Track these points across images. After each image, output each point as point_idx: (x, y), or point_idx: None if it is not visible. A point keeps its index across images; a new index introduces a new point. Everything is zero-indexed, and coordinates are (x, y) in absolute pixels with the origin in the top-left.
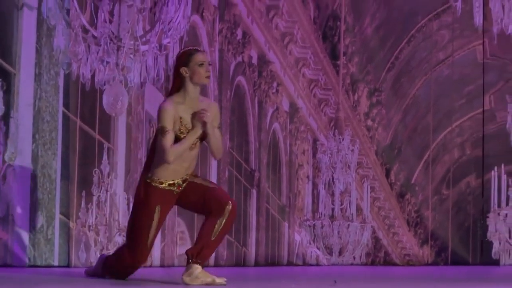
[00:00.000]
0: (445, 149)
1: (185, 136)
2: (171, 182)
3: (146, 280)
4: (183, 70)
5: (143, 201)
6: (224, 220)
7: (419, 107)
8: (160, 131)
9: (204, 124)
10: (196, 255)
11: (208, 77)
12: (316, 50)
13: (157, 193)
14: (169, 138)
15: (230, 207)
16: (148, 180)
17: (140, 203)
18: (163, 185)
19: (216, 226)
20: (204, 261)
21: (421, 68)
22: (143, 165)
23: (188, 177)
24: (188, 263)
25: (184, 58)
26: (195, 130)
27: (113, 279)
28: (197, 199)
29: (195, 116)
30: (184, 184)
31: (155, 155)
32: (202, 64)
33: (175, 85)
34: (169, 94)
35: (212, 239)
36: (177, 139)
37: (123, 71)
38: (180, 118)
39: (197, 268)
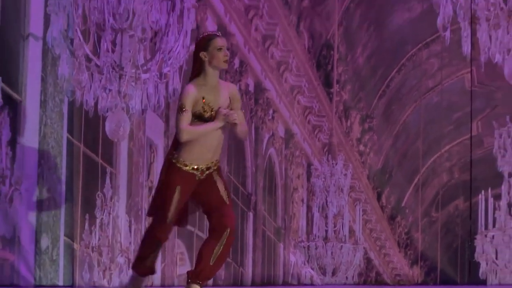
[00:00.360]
0: (434, 173)
1: (208, 116)
2: (195, 166)
3: None
4: (203, 54)
5: (165, 179)
6: (222, 246)
7: (409, 133)
8: (179, 109)
9: (234, 125)
10: (196, 276)
11: (226, 61)
12: (310, 78)
13: (180, 174)
14: (185, 117)
15: (228, 233)
16: (173, 160)
17: (162, 181)
18: (187, 167)
19: (215, 250)
20: (204, 282)
21: (411, 95)
22: (169, 147)
23: (212, 166)
24: (187, 283)
25: (203, 43)
26: (216, 123)
27: (148, 257)
28: (210, 203)
29: (220, 112)
30: (207, 172)
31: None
32: (220, 49)
33: (195, 69)
34: (190, 78)
35: (211, 263)
36: (200, 117)
37: (125, 99)
38: (203, 98)
39: None
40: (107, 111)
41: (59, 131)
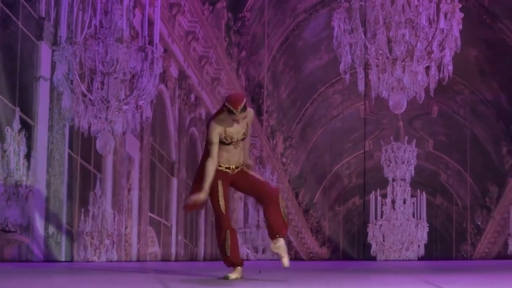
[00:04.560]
0: (337, 178)
1: (228, 142)
2: (227, 166)
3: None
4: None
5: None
6: (283, 207)
7: (319, 149)
8: (208, 143)
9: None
10: (283, 232)
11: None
12: None
13: (219, 172)
14: (214, 149)
15: (280, 198)
16: None
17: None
18: (221, 167)
19: (282, 212)
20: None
21: (320, 121)
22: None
23: (240, 165)
24: (278, 238)
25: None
26: (202, 192)
27: (226, 250)
28: (252, 189)
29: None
30: (237, 170)
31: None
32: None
33: (220, 109)
34: (215, 114)
35: (286, 221)
36: (223, 143)
37: (111, 124)
38: (225, 130)
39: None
40: (98, 133)
41: (62, 148)
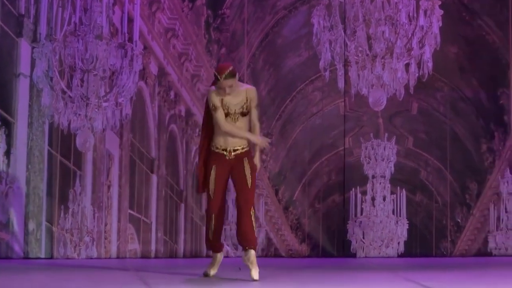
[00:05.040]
0: (317, 175)
1: (225, 112)
2: (224, 147)
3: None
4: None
5: (205, 163)
6: (253, 216)
7: (298, 146)
8: (213, 109)
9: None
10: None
11: None
12: None
13: (214, 155)
14: (220, 114)
15: (251, 208)
16: (211, 148)
17: (205, 165)
18: (218, 149)
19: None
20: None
21: (300, 118)
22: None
23: (240, 149)
24: (247, 250)
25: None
26: (252, 138)
27: (209, 233)
28: (235, 183)
29: (262, 142)
30: (234, 154)
31: (214, 128)
32: None
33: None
34: (213, 82)
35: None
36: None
37: (90, 121)
38: (222, 99)
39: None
40: (77, 130)
41: (42, 145)
